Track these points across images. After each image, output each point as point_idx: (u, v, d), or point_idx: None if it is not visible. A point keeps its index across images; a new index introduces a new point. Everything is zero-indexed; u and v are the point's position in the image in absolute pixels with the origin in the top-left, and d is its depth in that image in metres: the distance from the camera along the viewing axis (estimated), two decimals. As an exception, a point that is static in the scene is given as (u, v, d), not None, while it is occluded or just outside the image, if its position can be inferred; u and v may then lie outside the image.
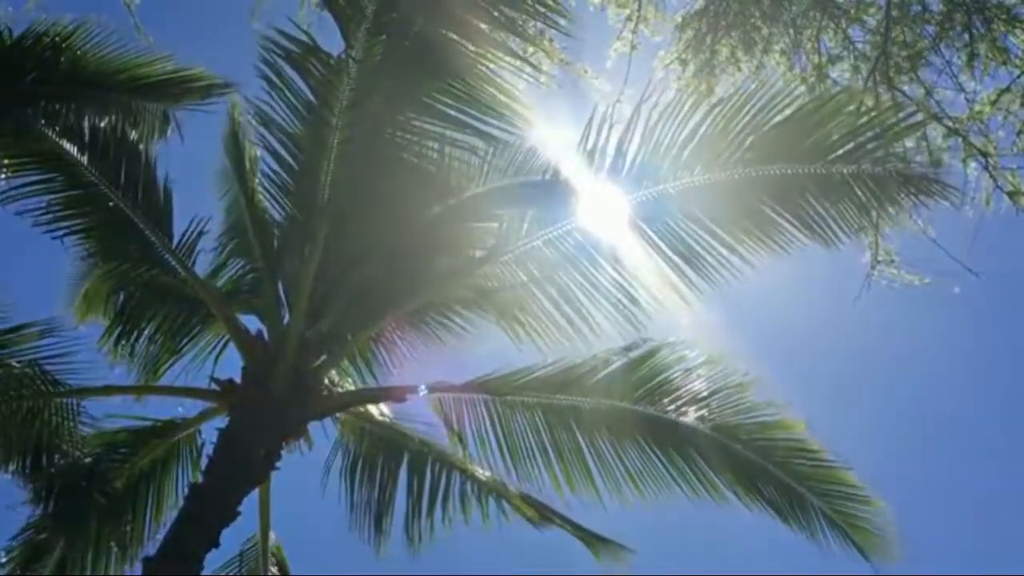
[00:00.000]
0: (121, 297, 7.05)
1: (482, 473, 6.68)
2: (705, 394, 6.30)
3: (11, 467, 5.91)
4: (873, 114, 5.71)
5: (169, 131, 6.88)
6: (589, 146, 5.89)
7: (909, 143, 5.81)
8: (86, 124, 6.58)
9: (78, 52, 6.28)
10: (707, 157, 5.68)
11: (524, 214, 6.26)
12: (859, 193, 5.55)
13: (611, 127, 5.80)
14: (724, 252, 5.86)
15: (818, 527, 6.22)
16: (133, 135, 6.71)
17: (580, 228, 6.12)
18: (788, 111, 5.58)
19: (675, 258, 5.94)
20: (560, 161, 6.09)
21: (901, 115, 5.82)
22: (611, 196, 5.98)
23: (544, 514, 6.62)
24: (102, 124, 6.61)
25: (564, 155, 6.07)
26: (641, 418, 6.36)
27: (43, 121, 6.46)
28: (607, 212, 6.06)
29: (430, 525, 6.69)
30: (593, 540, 6.62)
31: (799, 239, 5.79)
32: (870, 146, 5.52)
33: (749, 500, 6.27)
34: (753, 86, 5.65)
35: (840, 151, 5.53)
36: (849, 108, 5.60)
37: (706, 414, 6.24)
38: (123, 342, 7.07)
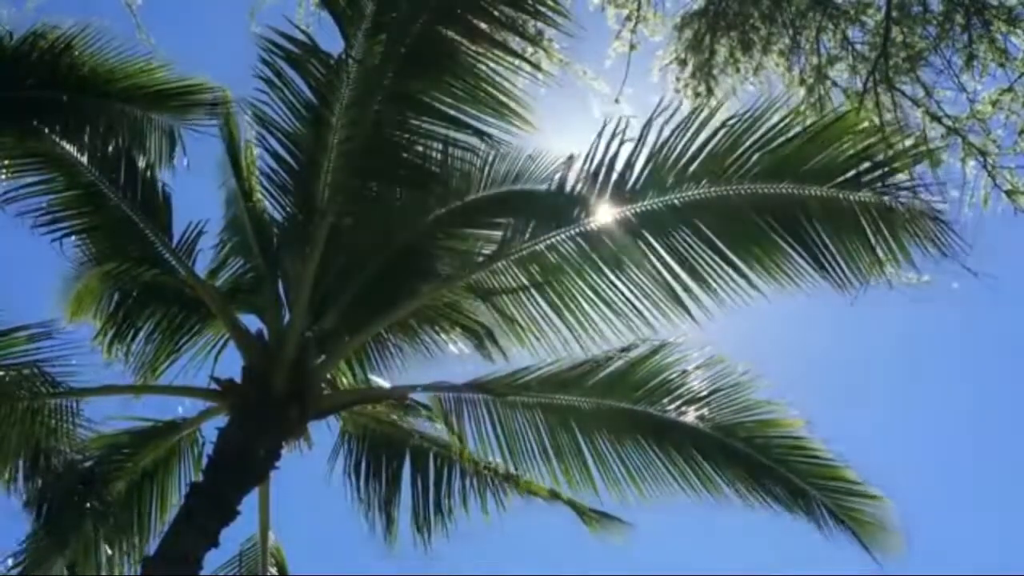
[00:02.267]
0: (116, 297, 7.07)
1: (483, 463, 6.68)
2: (704, 393, 6.30)
3: (8, 471, 5.91)
4: (881, 135, 5.69)
5: (176, 154, 6.90)
6: (597, 155, 5.88)
7: (908, 142, 5.79)
8: (87, 131, 6.59)
9: (80, 56, 6.29)
10: (712, 172, 5.67)
11: (527, 217, 6.25)
12: (861, 219, 5.52)
13: (622, 143, 5.79)
14: (724, 265, 5.84)
15: (823, 521, 6.22)
16: (141, 161, 6.71)
17: (584, 235, 6.10)
18: (795, 130, 5.57)
19: (679, 270, 5.92)
20: (563, 164, 6.09)
21: (908, 143, 5.78)
22: (616, 205, 5.96)
23: (553, 494, 6.65)
24: (105, 136, 6.61)
25: (567, 158, 6.07)
26: (641, 418, 6.37)
27: (45, 127, 6.47)
28: (612, 220, 6.03)
29: (440, 520, 6.70)
30: (592, 516, 6.66)
31: (797, 261, 5.76)
32: (876, 172, 5.50)
33: (752, 497, 6.28)
34: (759, 107, 5.62)
35: (846, 175, 5.49)
36: (858, 127, 5.58)
37: (706, 413, 6.25)
38: (118, 341, 7.08)
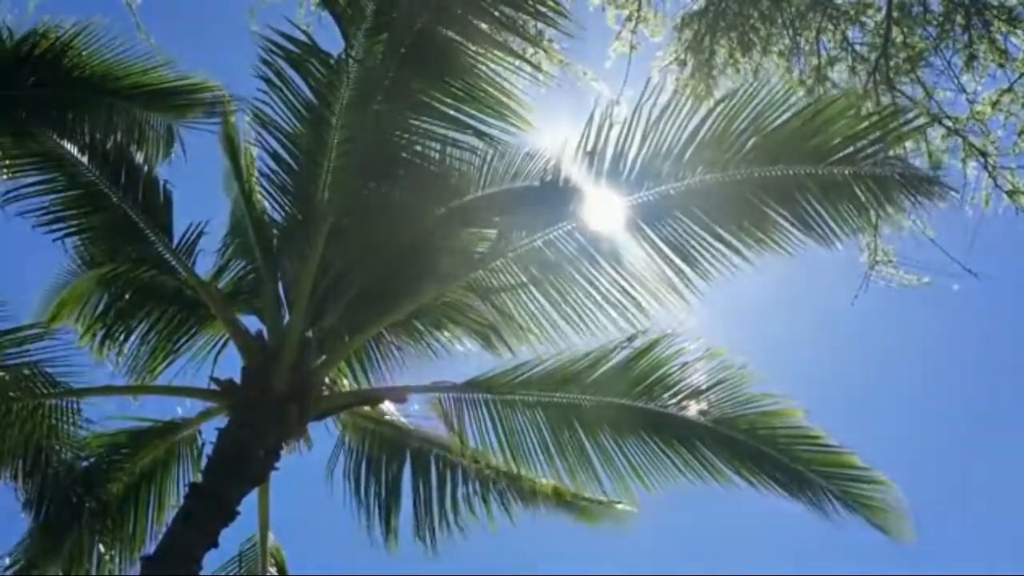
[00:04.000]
0: (105, 298, 7.04)
1: (486, 464, 6.68)
2: (704, 387, 6.28)
3: (7, 471, 5.90)
4: (874, 117, 5.70)
5: (173, 150, 6.89)
6: (589, 147, 5.86)
7: (909, 143, 5.80)
8: (87, 130, 6.58)
9: (80, 55, 6.29)
10: (708, 158, 5.65)
11: (524, 215, 6.24)
12: (859, 194, 5.53)
13: (611, 128, 5.78)
14: (725, 252, 5.84)
15: (832, 508, 6.19)
16: (139, 156, 6.70)
17: (581, 229, 6.09)
18: (789, 112, 5.56)
19: (676, 259, 5.92)
20: (560, 162, 6.08)
21: (902, 119, 5.80)
22: (612, 197, 5.96)
23: (557, 491, 6.67)
24: (105, 134, 6.60)
25: (564, 155, 6.06)
26: (642, 413, 6.35)
27: (46, 127, 6.45)
28: (608, 213, 6.04)
29: (443, 522, 6.69)
30: (592, 504, 6.68)
31: (800, 240, 5.77)
32: (871, 148, 5.50)
33: (759, 484, 6.26)
34: (754, 87, 5.61)
35: (841, 153, 5.50)
36: (850, 111, 5.58)
37: (707, 407, 6.23)
38: (110, 342, 7.06)
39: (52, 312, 7.11)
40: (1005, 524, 12.36)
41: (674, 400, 6.32)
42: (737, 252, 5.83)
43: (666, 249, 5.92)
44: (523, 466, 6.57)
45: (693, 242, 5.89)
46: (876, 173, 5.47)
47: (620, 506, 6.69)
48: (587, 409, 6.42)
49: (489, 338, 6.70)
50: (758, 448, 6.21)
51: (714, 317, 6.11)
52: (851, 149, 5.49)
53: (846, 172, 5.49)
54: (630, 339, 6.28)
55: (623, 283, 6.11)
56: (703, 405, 6.24)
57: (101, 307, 7.05)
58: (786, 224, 5.73)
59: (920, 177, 5.50)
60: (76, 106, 6.51)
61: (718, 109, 5.61)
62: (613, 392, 6.37)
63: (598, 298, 6.20)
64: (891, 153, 5.53)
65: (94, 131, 6.58)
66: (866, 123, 5.58)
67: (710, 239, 5.85)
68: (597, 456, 6.42)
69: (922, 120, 6.30)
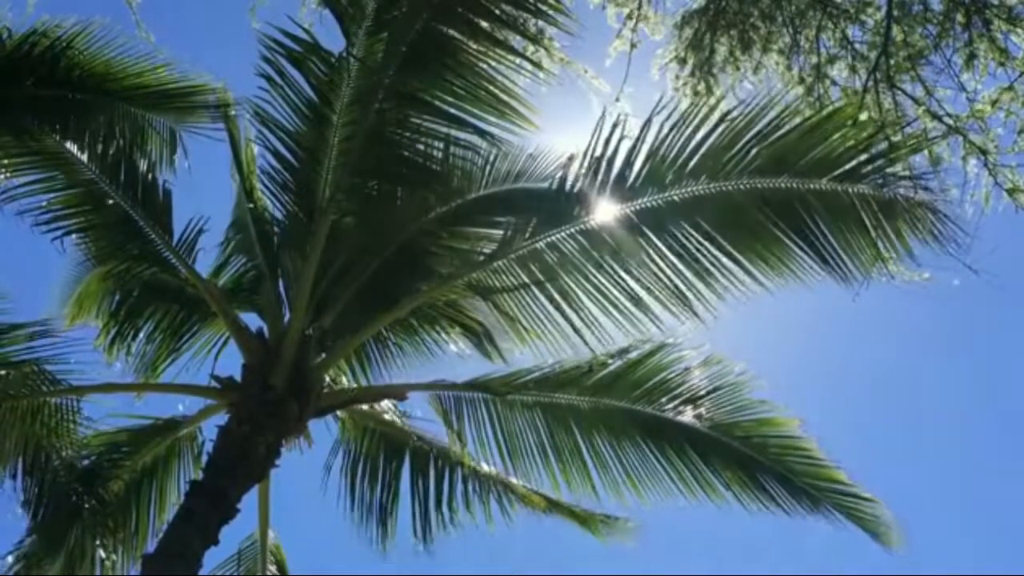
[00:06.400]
0: (117, 297, 7.06)
1: (484, 468, 6.68)
2: (702, 393, 6.32)
3: (8, 470, 5.90)
4: (879, 126, 5.67)
5: (177, 153, 6.89)
6: (596, 153, 5.83)
7: (906, 131, 5.78)
8: (88, 129, 6.58)
9: (81, 55, 6.28)
10: (712, 167, 5.64)
11: (527, 216, 6.23)
12: (861, 212, 5.50)
13: (621, 136, 5.75)
14: (725, 260, 5.82)
15: (820, 515, 6.24)
16: (142, 160, 6.69)
17: (584, 231, 6.07)
18: (793, 123, 5.52)
19: (678, 264, 5.90)
20: (563, 163, 6.07)
21: (907, 132, 5.77)
22: (616, 201, 5.93)
23: (550, 503, 6.65)
24: (107, 135, 6.59)
25: (567, 157, 6.06)
26: (639, 417, 6.38)
27: (46, 126, 6.45)
28: (612, 217, 6.01)
29: (440, 521, 6.69)
30: (596, 522, 6.66)
31: (798, 255, 5.73)
32: (875, 164, 5.47)
33: (747, 496, 6.29)
34: (764, 100, 5.56)
35: (845, 167, 5.46)
36: (854, 121, 5.55)
37: (703, 412, 6.26)
38: (119, 341, 7.08)
39: (72, 311, 7.16)
40: (1005, 524, 12.38)
41: (671, 405, 6.35)
42: (737, 260, 5.81)
43: (671, 256, 5.88)
44: (520, 467, 6.58)
45: (696, 249, 5.86)
46: (878, 194, 5.44)
47: (620, 521, 6.71)
48: (585, 411, 6.44)
49: (489, 339, 6.70)
50: (751, 456, 6.25)
51: (715, 317, 6.09)
52: (854, 164, 5.46)
53: (850, 190, 5.47)
54: (629, 348, 6.29)
55: (627, 288, 6.09)
56: (700, 411, 6.26)
57: (113, 306, 7.08)
58: (787, 240, 5.69)
59: (922, 202, 5.44)
60: (76, 106, 6.49)
61: (725, 122, 5.57)
62: (612, 395, 6.39)
63: (601, 301, 6.18)
64: (894, 170, 5.49)
65: (94, 131, 6.57)
66: (869, 132, 5.54)
67: (713, 249, 5.81)
68: (592, 461, 6.45)
69: (921, 138, 6.25)
